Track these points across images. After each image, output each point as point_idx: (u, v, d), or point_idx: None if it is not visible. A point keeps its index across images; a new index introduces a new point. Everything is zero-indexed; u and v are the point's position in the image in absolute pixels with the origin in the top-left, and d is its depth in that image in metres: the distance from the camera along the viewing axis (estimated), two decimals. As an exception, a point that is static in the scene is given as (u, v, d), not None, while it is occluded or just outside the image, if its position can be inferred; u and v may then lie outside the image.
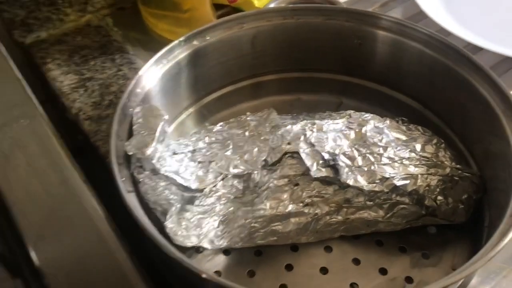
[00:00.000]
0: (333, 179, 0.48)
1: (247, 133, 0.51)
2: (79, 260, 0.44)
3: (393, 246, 0.50)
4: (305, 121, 0.51)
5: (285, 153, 0.48)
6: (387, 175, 0.47)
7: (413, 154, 0.49)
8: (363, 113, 0.53)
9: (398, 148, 0.49)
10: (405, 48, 0.56)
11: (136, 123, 0.47)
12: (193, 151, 0.50)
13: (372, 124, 0.51)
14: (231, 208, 0.48)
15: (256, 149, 0.49)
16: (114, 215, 0.46)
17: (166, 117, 0.48)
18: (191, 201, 0.48)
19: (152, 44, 0.71)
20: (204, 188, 0.47)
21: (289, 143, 0.49)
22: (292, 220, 0.48)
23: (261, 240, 0.48)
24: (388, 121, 0.52)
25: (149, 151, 0.44)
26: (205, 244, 0.48)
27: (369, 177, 0.47)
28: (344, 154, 0.48)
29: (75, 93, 0.65)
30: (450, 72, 0.53)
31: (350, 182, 0.47)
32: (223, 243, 0.48)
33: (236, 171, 0.48)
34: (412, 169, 0.48)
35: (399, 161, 0.48)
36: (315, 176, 0.47)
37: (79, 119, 0.62)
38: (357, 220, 0.49)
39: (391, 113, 0.57)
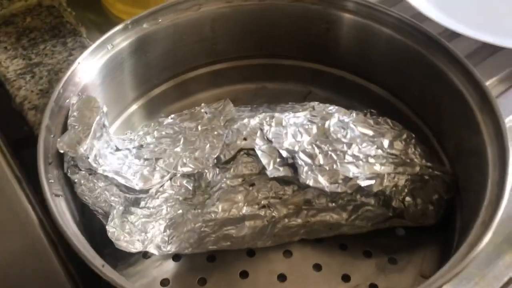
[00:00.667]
0: (292, 178, 0.44)
1: (200, 127, 0.46)
2: (5, 267, 0.39)
3: (358, 250, 0.47)
4: (264, 114, 0.47)
5: (240, 150, 0.44)
6: (350, 175, 0.43)
7: (379, 151, 0.45)
8: (327, 105, 0.48)
9: (364, 144, 0.45)
10: (374, 33, 0.52)
11: (71, 117, 0.42)
12: (140, 147, 0.45)
13: (337, 117, 0.46)
14: (180, 211, 0.44)
15: (208, 145, 0.44)
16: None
17: (105, 109, 0.43)
18: (136, 202, 0.43)
19: (108, 26, 0.65)
20: (150, 189, 0.43)
21: (245, 139, 0.44)
22: (247, 223, 0.44)
23: (212, 245, 0.44)
24: (354, 114, 0.48)
25: (82, 149, 0.40)
26: (151, 250, 0.43)
27: (331, 177, 0.43)
28: (304, 151, 0.44)
29: (21, 79, 0.60)
30: (422, 60, 0.49)
31: (310, 182, 0.43)
32: (171, 249, 0.44)
33: (185, 169, 0.43)
34: (378, 168, 0.44)
35: (364, 159, 0.44)
36: (272, 176, 0.43)
37: (23, 109, 0.57)
38: (319, 223, 0.45)
39: (362, 104, 0.53)
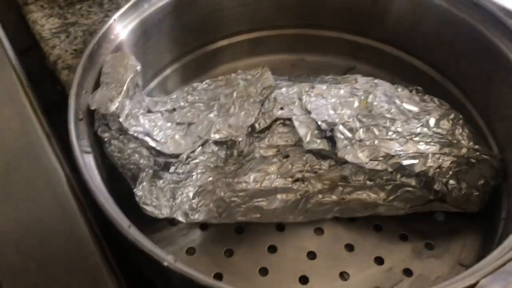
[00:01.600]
0: (329, 152, 0.41)
1: (235, 94, 0.44)
2: (31, 225, 0.38)
3: (393, 232, 0.44)
4: (303, 83, 0.44)
5: (276, 120, 0.42)
6: (392, 152, 0.41)
7: (425, 130, 0.42)
8: (371, 78, 0.46)
9: (409, 121, 0.42)
10: (426, 6, 0.48)
11: (104, 74, 0.41)
12: (172, 110, 0.44)
13: (380, 91, 0.44)
14: (210, 179, 0.42)
15: (243, 113, 0.42)
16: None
17: (139, 67, 0.42)
18: (166, 167, 0.42)
19: None
20: (181, 154, 0.41)
21: (281, 108, 0.42)
22: (279, 196, 0.42)
23: (241, 216, 0.42)
24: (400, 89, 0.45)
25: (113, 107, 0.38)
26: (179, 217, 0.42)
27: (371, 153, 0.41)
28: (344, 124, 0.41)
29: (55, 38, 0.58)
30: (476, 35, 0.46)
31: (348, 158, 0.40)
32: (198, 217, 0.42)
33: (218, 136, 0.41)
34: (422, 147, 0.41)
35: (408, 137, 0.41)
36: (308, 148, 0.41)
37: (57, 68, 0.56)
38: (354, 201, 0.42)
39: (406, 81, 0.50)
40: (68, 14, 0.61)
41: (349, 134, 0.41)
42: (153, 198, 0.41)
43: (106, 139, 0.40)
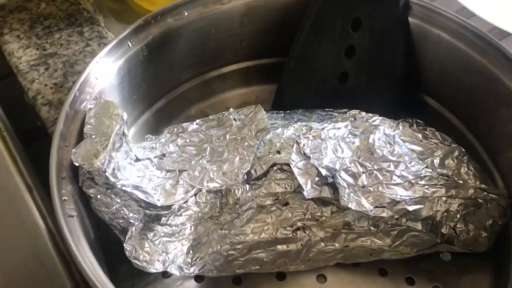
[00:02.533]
0: (331, 199, 0.39)
1: (228, 136, 0.42)
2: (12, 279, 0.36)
3: (399, 276, 0.42)
4: (299, 123, 0.42)
5: (273, 165, 0.39)
6: (398, 198, 0.38)
7: (429, 171, 0.40)
8: (370, 115, 0.43)
9: (412, 163, 0.40)
10: (424, 34, 0.46)
11: (87, 125, 0.38)
12: (161, 156, 0.41)
13: (382, 131, 0.41)
14: (204, 230, 0.39)
15: (237, 158, 0.40)
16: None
17: (125, 116, 0.39)
18: (157, 218, 0.39)
19: (128, 15, 0.62)
20: (172, 205, 0.39)
21: (278, 152, 0.40)
22: (279, 247, 0.40)
23: (240, 269, 0.40)
24: (401, 127, 0.43)
25: (99, 162, 0.35)
26: (173, 270, 0.39)
27: (376, 199, 0.38)
28: (346, 170, 0.39)
29: (34, 71, 0.55)
30: (474, 63, 0.44)
31: (352, 205, 0.38)
32: (194, 270, 0.40)
33: (212, 185, 0.39)
34: (428, 191, 0.39)
35: (413, 181, 0.39)
36: (309, 197, 0.39)
37: (36, 104, 0.53)
38: (358, 248, 0.40)
39: (404, 111, 0.48)
40: (46, 44, 0.58)
41: (351, 181, 0.39)
42: (144, 253, 0.38)
43: (92, 195, 0.37)
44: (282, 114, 0.45)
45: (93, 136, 0.37)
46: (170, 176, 0.40)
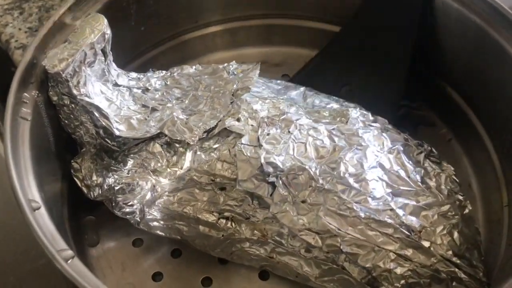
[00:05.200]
0: (267, 201, 0.34)
1: (213, 88, 0.38)
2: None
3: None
4: (283, 101, 0.36)
5: (224, 129, 0.35)
6: (335, 231, 0.32)
7: (391, 218, 0.32)
8: (370, 122, 0.37)
9: (377, 202, 0.33)
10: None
11: (72, 32, 0.37)
12: (144, 90, 0.39)
13: (364, 149, 0.34)
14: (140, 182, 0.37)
15: (209, 113, 0.37)
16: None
17: (108, 34, 0.37)
18: (108, 150, 0.38)
19: None
20: (127, 142, 0.37)
21: (238, 120, 0.35)
22: (201, 228, 0.36)
23: (161, 232, 0.37)
24: (397, 150, 0.35)
25: (60, 67, 0.34)
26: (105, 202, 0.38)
27: (310, 221, 0.32)
28: (293, 175, 0.33)
29: (7, 15, 0.52)
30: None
31: (279, 216, 0.33)
32: (119, 210, 0.37)
33: (168, 133, 0.36)
34: (377, 239, 0.32)
35: (364, 219, 0.32)
36: (241, 187, 0.34)
37: (9, 47, 0.50)
38: (284, 265, 0.35)
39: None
40: (22, -12, 0.55)
41: (293, 189, 0.33)
42: (87, 177, 0.37)
43: (54, 103, 0.36)
44: (280, 87, 0.40)
45: (70, 43, 0.36)
46: (141, 111, 0.38)
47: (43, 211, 0.32)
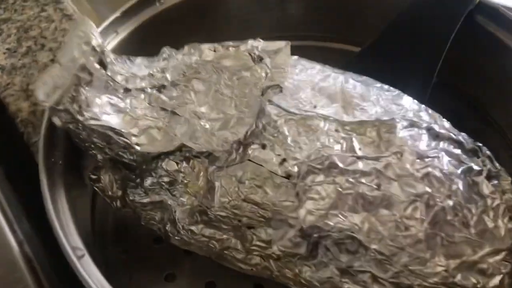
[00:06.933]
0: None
1: (235, 79, 0.35)
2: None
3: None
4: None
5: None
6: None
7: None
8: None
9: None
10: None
11: (60, 48, 0.36)
12: (160, 88, 0.35)
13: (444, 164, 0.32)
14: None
15: (236, 116, 0.33)
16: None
17: (100, 42, 0.33)
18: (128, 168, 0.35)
19: None
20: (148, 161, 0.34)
21: (263, 147, 0.32)
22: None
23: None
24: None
25: (53, 98, 0.31)
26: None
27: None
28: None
29: None
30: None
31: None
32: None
33: (193, 145, 0.33)
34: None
35: None
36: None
37: None
38: None
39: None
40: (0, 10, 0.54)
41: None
42: (108, 185, 0.35)
43: (59, 127, 0.33)
44: (329, 73, 0.35)
45: (60, 65, 0.32)
46: (160, 116, 0.34)
47: (87, 257, 0.31)
